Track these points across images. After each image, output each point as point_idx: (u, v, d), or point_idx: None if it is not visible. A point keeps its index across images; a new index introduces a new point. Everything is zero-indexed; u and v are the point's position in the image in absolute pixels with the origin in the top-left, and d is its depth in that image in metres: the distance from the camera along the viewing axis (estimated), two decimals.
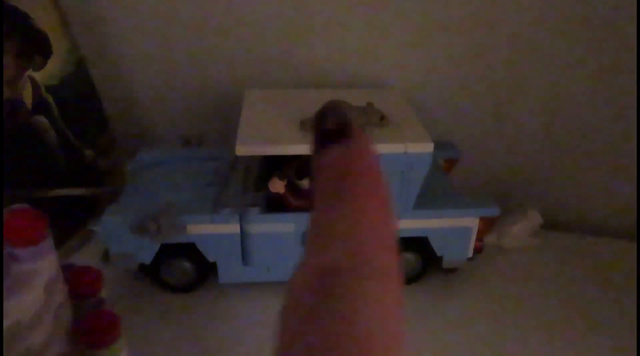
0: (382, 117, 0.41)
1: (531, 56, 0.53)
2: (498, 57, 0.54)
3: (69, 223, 0.51)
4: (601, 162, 0.57)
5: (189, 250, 0.45)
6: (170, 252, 0.45)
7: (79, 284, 0.31)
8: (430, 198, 0.46)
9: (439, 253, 0.47)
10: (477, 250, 0.47)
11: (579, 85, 0.54)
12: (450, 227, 0.45)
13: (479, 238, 0.47)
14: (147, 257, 0.45)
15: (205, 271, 0.47)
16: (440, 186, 0.49)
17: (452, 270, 0.50)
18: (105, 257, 0.46)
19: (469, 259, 0.48)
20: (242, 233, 0.44)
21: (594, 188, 0.59)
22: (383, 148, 0.41)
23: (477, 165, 0.60)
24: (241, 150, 0.41)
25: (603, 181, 0.58)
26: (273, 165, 0.48)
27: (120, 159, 0.58)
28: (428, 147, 0.41)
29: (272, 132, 0.43)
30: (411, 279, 0.49)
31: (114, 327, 0.29)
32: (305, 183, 0.45)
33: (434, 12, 0.52)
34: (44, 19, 0.49)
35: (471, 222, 0.45)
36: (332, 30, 0.55)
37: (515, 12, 0.51)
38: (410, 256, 0.47)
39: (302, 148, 0.41)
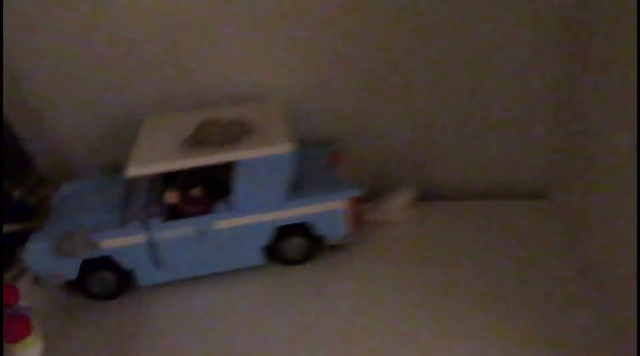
0: (245, 130, 0.50)
1: (406, 47, 0.61)
2: (372, 50, 0.61)
3: (6, 257, 0.59)
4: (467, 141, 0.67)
5: (108, 262, 0.53)
6: (92, 266, 0.53)
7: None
8: (309, 189, 0.55)
9: (320, 234, 0.56)
10: (354, 228, 0.56)
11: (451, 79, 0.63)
12: (324, 211, 0.54)
13: (354, 217, 0.56)
14: (72, 274, 0.53)
15: (126, 279, 0.55)
16: (322, 178, 0.58)
17: (337, 246, 0.59)
18: (37, 279, 0.53)
19: (347, 236, 0.57)
20: (149, 241, 0.53)
21: (460, 160, 0.69)
22: (248, 154, 0.49)
23: (365, 154, 0.69)
24: (133, 171, 0.49)
25: (469, 154, 0.68)
26: (172, 179, 0.56)
27: (50, 194, 0.66)
28: (287, 148, 0.50)
29: (160, 152, 0.51)
30: (303, 259, 0.57)
31: (25, 326, 0.37)
32: (196, 192, 0.53)
33: (299, 18, 0.59)
34: None
35: (339, 204, 0.54)
36: (213, 52, 0.62)
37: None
38: (298, 239, 0.56)
39: (184, 162, 0.49)
